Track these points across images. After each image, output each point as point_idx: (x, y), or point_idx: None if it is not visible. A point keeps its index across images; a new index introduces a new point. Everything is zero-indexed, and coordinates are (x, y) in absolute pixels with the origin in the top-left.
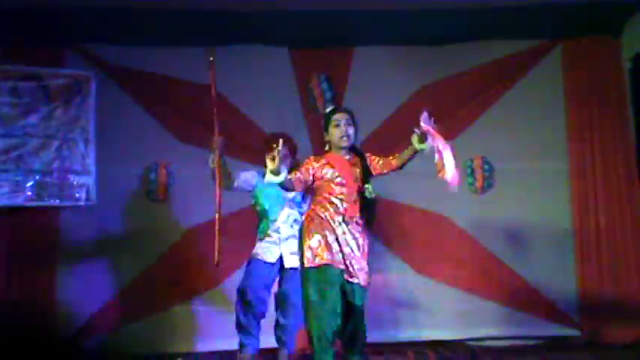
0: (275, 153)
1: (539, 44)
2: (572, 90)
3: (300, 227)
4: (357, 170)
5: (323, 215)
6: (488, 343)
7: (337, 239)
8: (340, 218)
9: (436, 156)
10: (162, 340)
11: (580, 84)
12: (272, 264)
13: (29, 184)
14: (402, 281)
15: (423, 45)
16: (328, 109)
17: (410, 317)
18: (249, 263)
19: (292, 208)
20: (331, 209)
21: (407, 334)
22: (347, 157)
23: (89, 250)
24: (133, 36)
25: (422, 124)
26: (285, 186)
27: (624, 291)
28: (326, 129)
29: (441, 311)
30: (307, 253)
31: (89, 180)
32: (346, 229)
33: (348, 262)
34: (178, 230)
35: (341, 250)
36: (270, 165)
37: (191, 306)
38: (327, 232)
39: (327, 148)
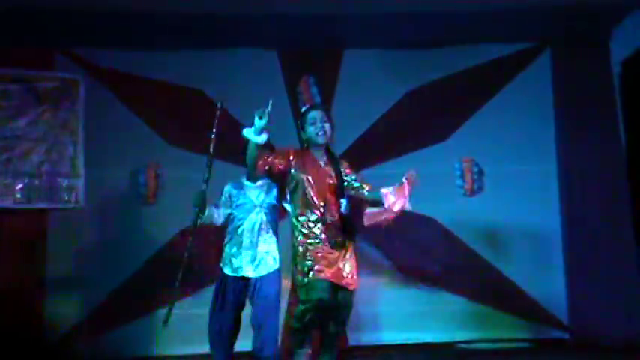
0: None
1: (528, 48)
2: (561, 93)
3: None
4: (332, 174)
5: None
6: (476, 345)
7: None
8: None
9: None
10: (152, 342)
11: (569, 87)
12: None
13: (18, 186)
14: (389, 283)
15: (412, 48)
16: (303, 108)
17: (397, 319)
18: None
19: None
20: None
21: (394, 337)
22: (321, 160)
23: (78, 253)
24: (121, 40)
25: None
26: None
27: (613, 293)
28: (302, 127)
29: (429, 313)
30: None
31: (78, 183)
32: None
33: None
34: (167, 232)
35: None
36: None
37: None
38: None
39: (305, 146)
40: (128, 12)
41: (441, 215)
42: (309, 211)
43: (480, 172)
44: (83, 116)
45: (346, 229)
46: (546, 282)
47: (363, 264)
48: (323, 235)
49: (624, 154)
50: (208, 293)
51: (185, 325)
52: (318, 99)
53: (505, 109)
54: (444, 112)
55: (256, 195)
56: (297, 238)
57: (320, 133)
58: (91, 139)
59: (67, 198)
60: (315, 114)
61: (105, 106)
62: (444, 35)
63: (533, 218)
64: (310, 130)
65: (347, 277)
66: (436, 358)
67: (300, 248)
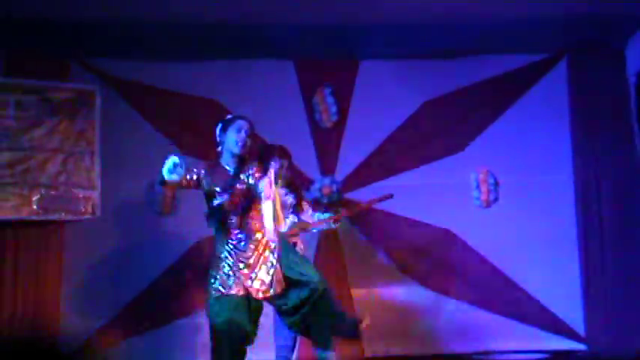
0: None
1: (544, 58)
2: (577, 104)
3: None
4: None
5: None
6: (492, 356)
7: None
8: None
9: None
10: (168, 354)
11: (585, 98)
12: None
13: (35, 197)
14: (405, 294)
15: (428, 59)
16: (229, 116)
17: (415, 331)
18: None
19: None
20: None
21: (412, 348)
22: (231, 171)
23: (94, 264)
24: (137, 50)
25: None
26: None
27: (631, 304)
28: (224, 130)
29: (446, 324)
30: None
31: (94, 194)
32: None
33: None
34: (184, 244)
35: None
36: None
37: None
38: None
39: (219, 149)
40: (144, 22)
41: (456, 226)
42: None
43: (496, 183)
44: (99, 127)
45: None
46: (563, 293)
47: (377, 274)
48: None
49: None
50: None
51: (200, 335)
52: (334, 109)
53: (521, 120)
54: (460, 122)
55: None
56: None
57: (240, 144)
58: (107, 149)
59: (83, 209)
60: (243, 123)
61: (121, 116)
62: (460, 46)
63: (550, 228)
64: (232, 136)
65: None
66: None
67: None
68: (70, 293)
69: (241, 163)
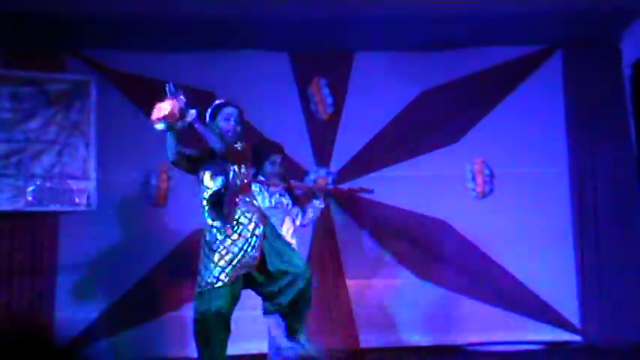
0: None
1: (539, 50)
2: (572, 95)
3: None
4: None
5: None
6: (489, 347)
7: None
8: None
9: None
10: (163, 345)
11: (580, 90)
12: None
13: (30, 188)
14: (401, 285)
15: (423, 50)
16: (218, 101)
17: (409, 321)
18: None
19: None
20: None
21: (406, 339)
22: None
23: (89, 255)
24: (133, 41)
25: None
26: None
27: (626, 295)
28: (212, 118)
29: (442, 316)
30: None
31: (89, 185)
32: None
33: None
34: (179, 235)
35: None
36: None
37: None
38: None
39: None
40: (139, 14)
41: (452, 217)
42: None
43: (491, 174)
44: (94, 118)
45: None
46: (558, 284)
47: (373, 265)
48: None
49: (635, 156)
50: None
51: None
52: (329, 101)
53: (516, 112)
54: (455, 114)
55: None
56: None
57: (230, 131)
58: (103, 140)
59: (78, 200)
60: (232, 111)
61: (116, 107)
62: (455, 38)
63: (545, 220)
64: (222, 125)
65: None
66: None
67: None
68: (65, 284)
69: None
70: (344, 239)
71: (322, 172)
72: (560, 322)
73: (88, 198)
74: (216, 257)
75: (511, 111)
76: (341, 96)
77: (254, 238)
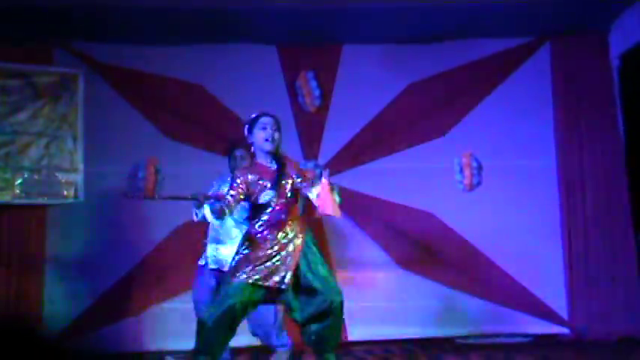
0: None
1: (527, 42)
2: (561, 87)
3: None
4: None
5: None
6: (476, 340)
7: None
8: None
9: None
10: (152, 338)
11: (568, 81)
12: None
13: (17, 181)
14: (389, 278)
15: (411, 43)
16: (253, 115)
17: (398, 314)
18: None
19: None
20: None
21: (394, 332)
22: (272, 166)
23: (77, 248)
24: (120, 34)
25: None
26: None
27: (613, 288)
28: (250, 131)
29: (429, 308)
30: None
31: (77, 177)
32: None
33: None
34: (166, 228)
35: None
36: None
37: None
38: None
39: (252, 150)
40: (127, 6)
41: (440, 210)
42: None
43: (479, 167)
44: (82, 111)
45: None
46: (546, 276)
47: (361, 258)
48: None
49: (623, 148)
50: None
51: (183, 320)
52: (317, 94)
53: (504, 104)
54: (443, 106)
55: None
56: None
57: (268, 139)
58: (91, 133)
59: (65, 193)
60: (267, 120)
61: (104, 100)
62: (443, 30)
63: (533, 213)
64: (259, 135)
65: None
66: (436, 353)
67: None
68: (53, 277)
69: (276, 158)
70: (331, 232)
71: (310, 165)
72: (549, 315)
73: (76, 190)
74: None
75: (499, 103)
76: (329, 88)
77: (289, 257)
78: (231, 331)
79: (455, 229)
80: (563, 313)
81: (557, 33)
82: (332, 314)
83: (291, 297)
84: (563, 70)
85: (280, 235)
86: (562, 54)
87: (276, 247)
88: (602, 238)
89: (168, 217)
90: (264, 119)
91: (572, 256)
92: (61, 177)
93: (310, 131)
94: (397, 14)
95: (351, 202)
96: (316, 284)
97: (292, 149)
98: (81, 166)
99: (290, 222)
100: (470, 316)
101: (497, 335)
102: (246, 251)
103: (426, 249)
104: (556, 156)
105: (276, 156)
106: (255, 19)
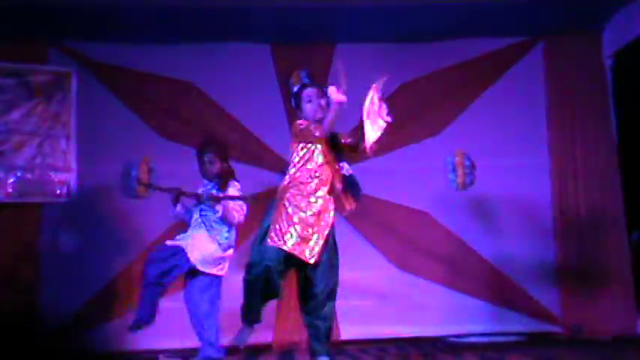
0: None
1: (521, 41)
2: (554, 86)
3: None
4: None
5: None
6: (470, 339)
7: None
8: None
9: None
10: (147, 336)
11: (562, 80)
12: None
13: (10, 180)
14: (383, 277)
15: (405, 42)
16: (296, 87)
17: (392, 313)
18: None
19: None
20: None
21: (389, 331)
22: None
23: (71, 247)
24: (114, 33)
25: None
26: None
27: (606, 286)
28: (298, 106)
29: (423, 307)
30: None
31: (70, 176)
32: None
33: None
34: (160, 226)
35: None
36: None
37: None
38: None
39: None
40: (121, 5)
41: (433, 209)
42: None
43: (472, 166)
44: (76, 109)
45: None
46: (539, 275)
47: (356, 257)
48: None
49: (616, 147)
50: None
51: (181, 318)
52: None
53: (498, 103)
54: (436, 106)
55: None
56: None
57: (317, 110)
58: (84, 132)
59: (59, 191)
60: (310, 91)
61: (97, 99)
62: (437, 29)
63: (526, 211)
64: (307, 107)
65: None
66: (430, 351)
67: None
68: (48, 276)
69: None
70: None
71: None
72: (543, 314)
73: (69, 190)
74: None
75: (492, 103)
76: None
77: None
78: (272, 291)
79: (449, 228)
80: (558, 312)
81: (551, 32)
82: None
83: (312, 270)
84: (556, 69)
85: (320, 201)
86: (555, 53)
87: (314, 213)
88: (596, 237)
89: (161, 215)
90: (307, 91)
91: (566, 254)
92: (55, 176)
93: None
94: (390, 13)
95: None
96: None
97: (285, 148)
98: (74, 165)
99: (328, 194)
100: (464, 314)
101: (492, 334)
102: (289, 209)
103: (420, 248)
104: (549, 155)
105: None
106: (249, 18)
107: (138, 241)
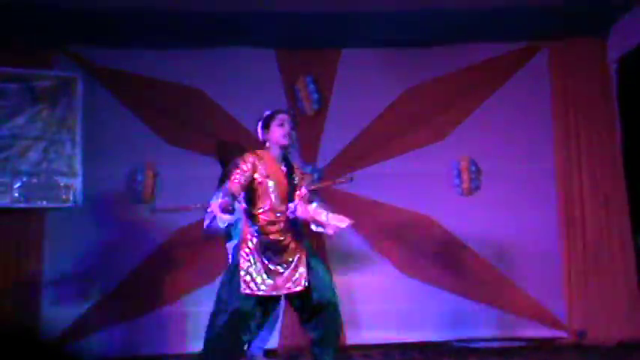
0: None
1: (526, 46)
2: (559, 91)
3: None
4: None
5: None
6: (475, 344)
7: None
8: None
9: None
10: (150, 341)
11: (567, 85)
12: None
13: (16, 185)
14: (388, 282)
15: (410, 47)
16: (269, 111)
17: (395, 318)
18: None
19: None
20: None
21: (393, 336)
22: (280, 163)
23: (76, 252)
24: (119, 38)
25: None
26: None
27: (611, 292)
28: (266, 127)
29: (428, 312)
30: None
31: (76, 181)
32: None
33: None
34: (165, 231)
35: None
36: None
37: (179, 307)
38: None
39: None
40: (126, 10)
41: (438, 213)
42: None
43: (477, 171)
44: (81, 114)
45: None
46: (545, 280)
47: (360, 262)
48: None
49: (621, 151)
50: (204, 291)
51: (183, 324)
52: (315, 98)
53: (503, 108)
54: (442, 110)
55: None
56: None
57: (287, 136)
58: (89, 137)
59: (64, 196)
60: (284, 117)
61: (103, 104)
62: (442, 34)
63: (532, 216)
64: (277, 130)
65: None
66: (435, 356)
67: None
68: (52, 281)
69: (286, 160)
70: (330, 235)
71: (308, 169)
72: (547, 319)
73: (75, 194)
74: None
75: (498, 107)
76: (327, 93)
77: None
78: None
79: (454, 233)
80: (562, 317)
81: (555, 37)
82: (327, 310)
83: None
84: (561, 74)
85: (286, 237)
86: (560, 58)
87: (284, 249)
88: (601, 242)
89: (166, 221)
90: (281, 116)
91: (571, 259)
92: (60, 181)
93: (309, 135)
94: (395, 19)
95: (350, 206)
96: (314, 281)
97: (290, 153)
98: (80, 170)
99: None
100: (467, 319)
101: (496, 339)
102: (252, 255)
103: (425, 253)
104: (554, 160)
105: (285, 155)
106: (254, 24)
107: (143, 246)
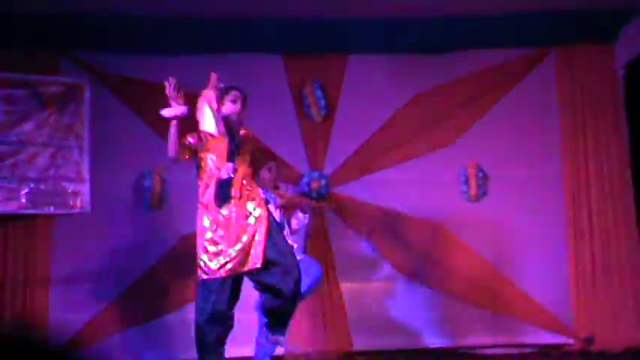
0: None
1: (533, 52)
2: (566, 97)
3: None
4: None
5: None
6: (481, 350)
7: None
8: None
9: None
10: (159, 347)
11: (574, 91)
12: None
13: (24, 191)
14: (394, 288)
15: (418, 53)
16: (222, 85)
17: (403, 324)
18: None
19: None
20: None
21: (399, 342)
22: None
23: (83, 258)
24: (127, 44)
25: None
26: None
27: (618, 298)
28: (221, 101)
29: (435, 318)
30: None
31: (83, 187)
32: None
33: None
34: (173, 237)
35: None
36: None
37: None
38: None
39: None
40: (133, 16)
41: (445, 220)
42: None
43: (485, 177)
44: (88, 120)
45: None
46: (552, 287)
47: (367, 268)
48: None
49: (629, 157)
50: None
51: (190, 330)
52: (323, 103)
53: (510, 114)
54: (449, 116)
55: None
56: None
57: (236, 112)
58: (97, 143)
59: (72, 202)
60: (238, 94)
61: (110, 110)
62: (449, 41)
63: (539, 222)
64: (229, 106)
65: None
66: None
67: None
68: (60, 287)
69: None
70: (338, 242)
71: (315, 174)
72: (554, 325)
73: (82, 201)
74: (211, 247)
75: (505, 114)
76: (334, 98)
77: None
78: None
79: (460, 239)
80: (569, 323)
81: (563, 43)
82: (285, 297)
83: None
84: (568, 80)
85: (242, 209)
86: (568, 64)
87: (241, 224)
88: (609, 248)
89: (174, 227)
90: (236, 92)
91: (578, 265)
92: (68, 187)
93: (316, 141)
94: (403, 25)
95: (357, 212)
96: (274, 256)
97: (298, 159)
98: (87, 176)
99: (248, 193)
100: (474, 325)
101: (502, 345)
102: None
103: (431, 259)
104: (561, 165)
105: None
106: (262, 29)
107: (150, 252)
